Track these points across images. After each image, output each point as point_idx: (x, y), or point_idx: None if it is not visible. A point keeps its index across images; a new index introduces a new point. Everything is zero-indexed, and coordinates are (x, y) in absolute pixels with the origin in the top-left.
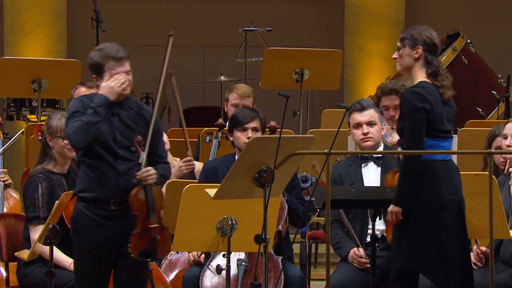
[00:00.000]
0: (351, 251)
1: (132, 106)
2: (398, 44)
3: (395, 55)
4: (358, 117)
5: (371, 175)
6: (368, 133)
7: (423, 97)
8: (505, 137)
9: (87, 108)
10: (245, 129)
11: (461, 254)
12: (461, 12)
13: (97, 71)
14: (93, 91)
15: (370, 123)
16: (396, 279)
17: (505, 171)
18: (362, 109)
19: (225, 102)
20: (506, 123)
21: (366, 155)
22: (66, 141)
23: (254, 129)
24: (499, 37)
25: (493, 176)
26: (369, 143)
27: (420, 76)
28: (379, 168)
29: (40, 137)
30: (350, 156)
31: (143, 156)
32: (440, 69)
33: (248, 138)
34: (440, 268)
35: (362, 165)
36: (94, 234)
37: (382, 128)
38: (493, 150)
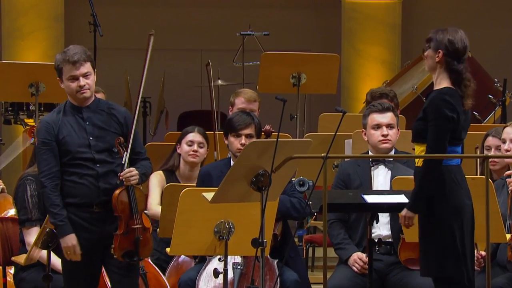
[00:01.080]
0: (354, 254)
1: (102, 108)
2: (426, 44)
3: (425, 54)
4: (379, 118)
5: (380, 178)
6: (387, 135)
7: (452, 107)
8: (504, 142)
9: (53, 138)
10: (239, 135)
11: (473, 257)
12: (457, 16)
13: (58, 73)
14: (103, 94)
15: (390, 126)
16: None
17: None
18: (383, 110)
19: (230, 107)
20: (505, 127)
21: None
22: None
23: (248, 136)
24: (495, 42)
25: (489, 180)
26: (387, 145)
27: (444, 81)
28: (389, 172)
29: (33, 139)
30: None
31: (126, 157)
32: (464, 76)
33: (242, 144)
34: (468, 271)
35: (372, 167)
36: (79, 237)
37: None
38: (489, 155)
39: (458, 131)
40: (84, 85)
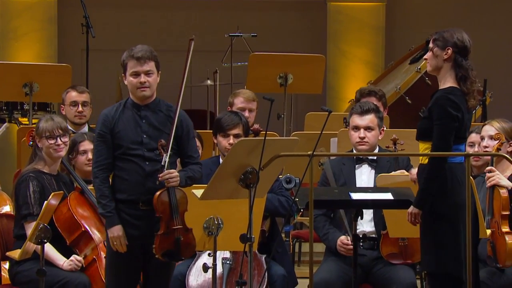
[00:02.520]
0: (338, 240)
1: (161, 109)
2: (430, 45)
3: (426, 56)
4: (357, 120)
5: (364, 177)
6: (364, 137)
7: (457, 106)
8: (482, 139)
9: (108, 130)
10: (227, 135)
11: (475, 254)
12: (438, 19)
13: (123, 69)
14: (84, 96)
15: (368, 128)
16: (433, 283)
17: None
18: (362, 113)
19: (229, 107)
20: (484, 125)
21: (361, 157)
22: (51, 141)
23: (236, 135)
24: (475, 43)
25: (471, 177)
26: (364, 147)
27: (449, 79)
28: (373, 171)
29: (31, 142)
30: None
31: (165, 158)
32: (470, 74)
33: (230, 144)
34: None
35: (356, 166)
36: (126, 233)
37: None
38: (470, 152)
39: (462, 130)
40: (145, 82)
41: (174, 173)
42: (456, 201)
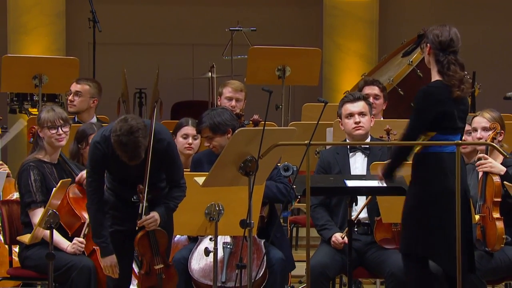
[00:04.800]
0: (333, 236)
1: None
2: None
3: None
4: (351, 107)
5: (358, 165)
6: (359, 122)
7: (435, 98)
8: (475, 130)
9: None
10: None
11: (465, 239)
12: (430, 14)
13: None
14: (78, 86)
15: (362, 113)
16: (406, 264)
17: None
18: (354, 100)
19: (219, 97)
20: (474, 117)
21: (355, 145)
22: (52, 131)
23: (206, 137)
24: (465, 37)
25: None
26: (360, 131)
27: (435, 73)
28: (366, 158)
29: (32, 139)
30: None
31: (143, 205)
32: (451, 67)
33: (207, 145)
34: (447, 253)
35: (350, 154)
36: (119, 217)
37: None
38: (460, 142)
39: (451, 120)
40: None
41: (152, 217)
42: (442, 189)
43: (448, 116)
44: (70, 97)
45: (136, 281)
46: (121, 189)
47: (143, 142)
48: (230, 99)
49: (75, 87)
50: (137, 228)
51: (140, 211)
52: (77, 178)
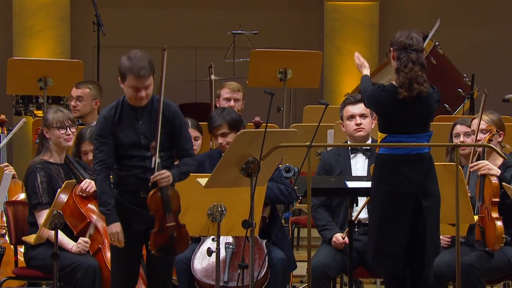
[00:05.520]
0: (334, 236)
1: (156, 108)
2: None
3: None
4: (352, 109)
5: (359, 166)
6: (361, 123)
7: (376, 100)
8: (474, 133)
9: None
10: (216, 136)
11: (406, 239)
12: (429, 18)
13: (120, 76)
14: (78, 91)
15: (363, 115)
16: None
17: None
18: (355, 102)
19: (217, 99)
20: (473, 119)
21: (356, 147)
22: (62, 131)
23: (223, 134)
24: (464, 40)
25: (459, 167)
26: (361, 133)
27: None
28: (367, 160)
29: (37, 140)
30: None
31: (157, 160)
32: (408, 65)
33: (220, 143)
34: (389, 256)
35: (351, 155)
36: (128, 218)
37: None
38: (458, 143)
39: (392, 123)
40: (143, 96)
41: (165, 173)
42: (385, 189)
43: (392, 120)
44: (72, 103)
45: (144, 287)
46: (130, 175)
47: (149, 60)
48: (228, 99)
49: (75, 92)
50: (150, 184)
51: (152, 166)
52: (79, 189)
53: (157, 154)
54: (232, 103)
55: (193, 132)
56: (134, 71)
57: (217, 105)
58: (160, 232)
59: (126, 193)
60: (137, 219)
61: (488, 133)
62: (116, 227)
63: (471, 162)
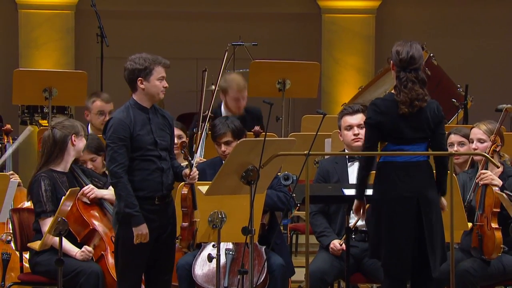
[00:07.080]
0: (331, 242)
1: (158, 111)
2: None
3: None
4: (350, 119)
5: (356, 174)
6: (358, 134)
7: (378, 109)
8: (472, 141)
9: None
10: (219, 144)
11: (412, 245)
12: (424, 29)
13: (143, 73)
14: (109, 105)
15: (360, 126)
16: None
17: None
18: (353, 112)
19: (222, 94)
20: (472, 128)
21: (353, 156)
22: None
23: (226, 143)
24: (458, 52)
25: (453, 175)
26: (358, 143)
27: (393, 88)
28: None
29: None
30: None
31: (190, 160)
32: (408, 85)
33: (222, 151)
34: (391, 258)
35: (348, 164)
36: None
37: None
38: (453, 152)
39: (392, 131)
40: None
41: (197, 171)
42: (379, 197)
43: (393, 129)
44: (107, 118)
45: None
46: (147, 180)
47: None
48: (237, 99)
49: (106, 107)
50: (186, 179)
51: (193, 162)
52: (80, 192)
53: (198, 152)
54: (241, 102)
55: (177, 131)
56: (162, 62)
57: (222, 100)
58: (189, 227)
59: (141, 200)
60: (151, 226)
61: (493, 144)
62: (145, 228)
63: (470, 169)
